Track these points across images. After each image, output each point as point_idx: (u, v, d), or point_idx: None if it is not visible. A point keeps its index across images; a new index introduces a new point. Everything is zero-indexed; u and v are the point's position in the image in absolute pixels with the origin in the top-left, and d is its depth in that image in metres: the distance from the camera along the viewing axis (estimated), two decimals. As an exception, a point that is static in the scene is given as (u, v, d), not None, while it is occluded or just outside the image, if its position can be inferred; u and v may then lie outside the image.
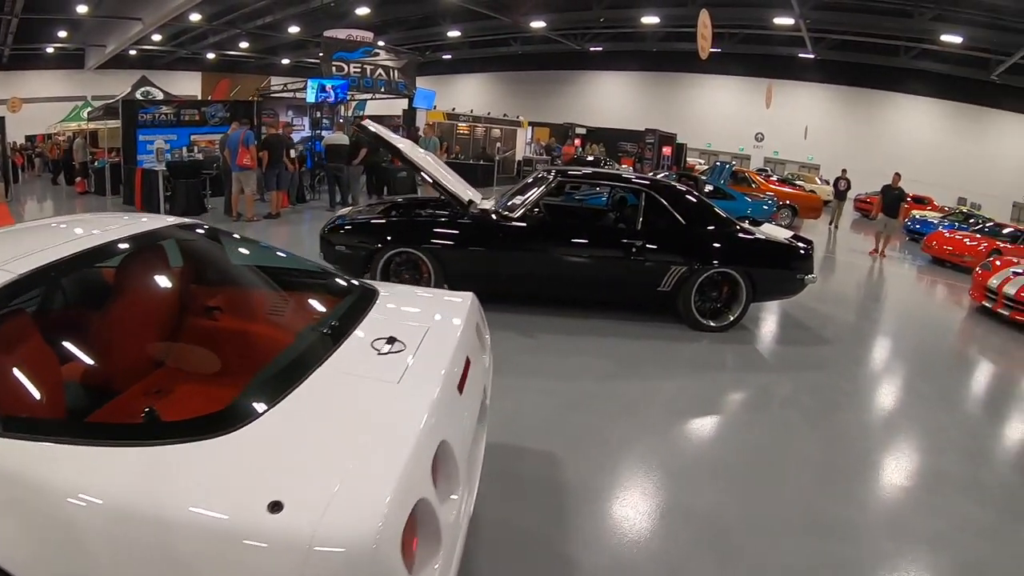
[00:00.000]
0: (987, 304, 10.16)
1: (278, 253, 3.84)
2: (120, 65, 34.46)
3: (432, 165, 7.51)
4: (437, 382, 2.38)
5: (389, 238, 6.96)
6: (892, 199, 15.08)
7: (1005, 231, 17.02)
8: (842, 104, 35.71)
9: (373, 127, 7.62)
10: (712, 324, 7.28)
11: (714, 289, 7.28)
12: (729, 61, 33.29)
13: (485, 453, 3.13)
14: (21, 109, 32.50)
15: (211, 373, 2.94)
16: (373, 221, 7.28)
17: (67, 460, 1.83)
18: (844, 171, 20.58)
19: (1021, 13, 20.20)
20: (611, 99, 41.81)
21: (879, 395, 6.55)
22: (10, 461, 1.81)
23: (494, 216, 7.07)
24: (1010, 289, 9.68)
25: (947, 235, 16.62)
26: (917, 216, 21.47)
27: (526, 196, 7.30)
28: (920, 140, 33.33)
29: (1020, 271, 10.05)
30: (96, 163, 16.72)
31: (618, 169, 21.15)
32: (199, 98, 32.04)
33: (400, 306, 3.27)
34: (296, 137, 17.33)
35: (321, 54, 21.11)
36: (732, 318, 7.31)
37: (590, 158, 22.81)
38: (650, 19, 29.12)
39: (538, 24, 31.07)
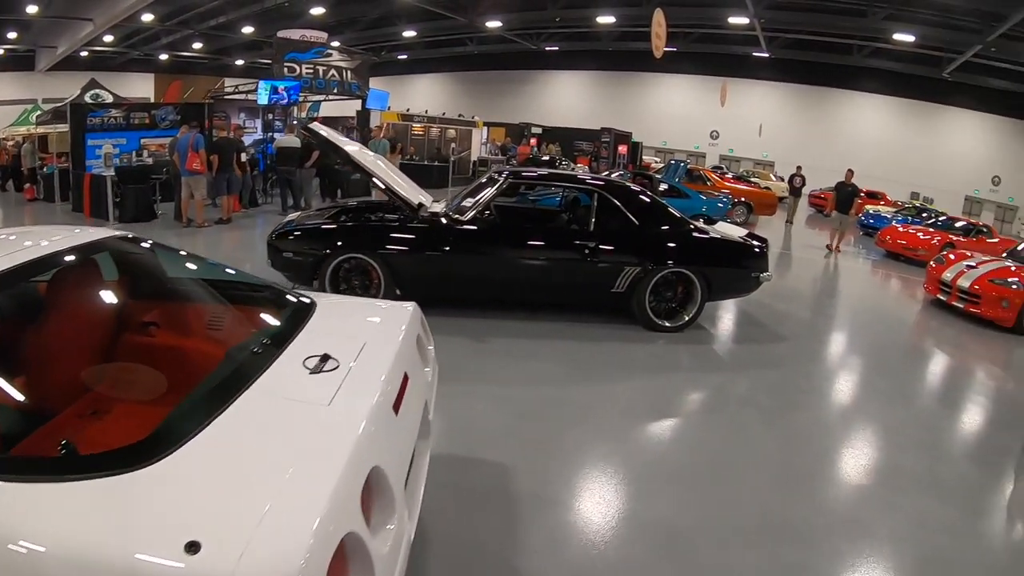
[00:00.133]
0: (941, 297, 10.28)
1: (214, 265, 3.64)
2: (72, 67, 33.56)
3: (381, 168, 7.32)
4: (370, 403, 2.28)
5: (337, 244, 6.74)
6: (846, 195, 15.21)
7: (958, 225, 17.34)
8: (796, 102, 36.30)
9: (323, 131, 7.43)
10: (667, 324, 7.18)
11: (669, 289, 7.18)
12: (684, 60, 33.61)
13: (432, 468, 3.03)
14: (-32, 112, 31.44)
15: (147, 393, 2.76)
16: (321, 226, 7.06)
17: None
18: (799, 168, 20.80)
19: (972, 12, 20.65)
20: (567, 98, 41.94)
21: (836, 392, 6.51)
22: None
23: (444, 220, 6.90)
24: (964, 282, 9.79)
25: (900, 230, 16.82)
26: (871, 211, 21.75)
27: (476, 198, 7.14)
28: (874, 136, 34.04)
29: (973, 264, 10.20)
30: (45, 169, 16.17)
31: (574, 168, 21.17)
32: (152, 100, 31.36)
33: (337, 320, 3.13)
34: (248, 140, 16.94)
35: (273, 55, 20.72)
36: (687, 318, 7.22)
37: (545, 158, 22.66)
38: (606, 19, 29.18)
39: (494, 24, 30.96)
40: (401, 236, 6.84)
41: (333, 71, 20.75)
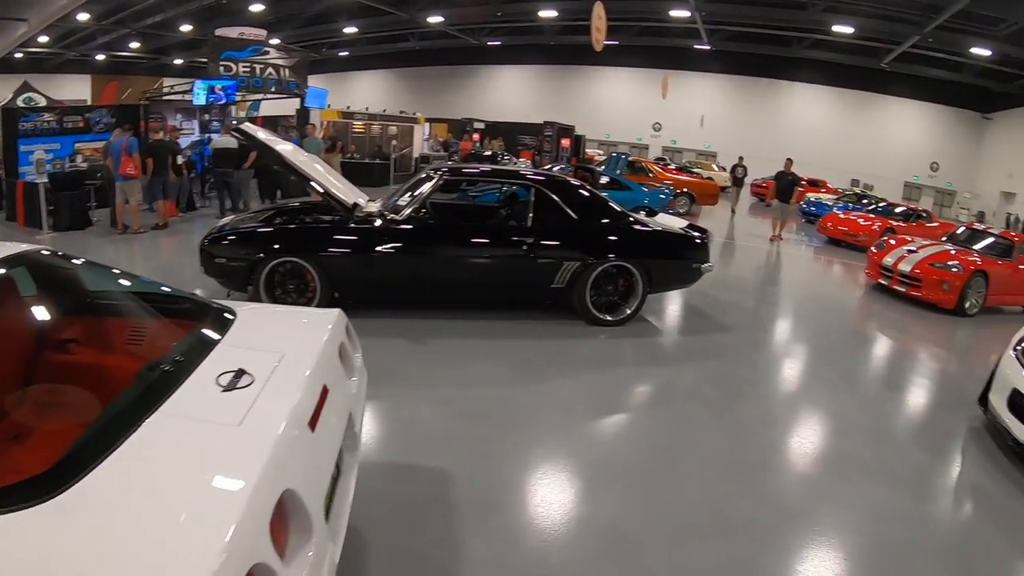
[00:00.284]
0: (883, 281, 10.45)
1: (136, 277, 3.46)
2: (6, 69, 32.10)
3: (314, 169, 7.06)
4: (281, 422, 2.15)
5: (271, 247, 6.46)
6: (785, 184, 15.30)
7: (897, 210, 17.63)
8: (738, 93, 36.74)
9: (253, 131, 7.17)
10: (609, 318, 7.06)
11: (609, 283, 7.06)
12: (626, 53, 33.82)
13: (370, 477, 3.04)
14: None
15: (70, 416, 2.56)
16: (253, 229, 6.76)
17: None
18: (740, 158, 21.06)
19: (910, 4, 21.05)
20: (510, 93, 41.84)
21: (781, 381, 6.48)
22: None
23: (379, 220, 6.67)
24: (905, 266, 9.97)
25: (842, 216, 17.06)
26: (812, 199, 22.09)
27: (412, 197, 6.92)
28: (814, 126, 34.64)
29: (914, 249, 10.38)
30: (-24, 178, 15.47)
31: (516, 163, 21.03)
32: (89, 103, 30.30)
33: (257, 331, 2.97)
34: (185, 141, 16.54)
35: (209, 53, 20.20)
36: (629, 311, 7.11)
37: (488, 153, 22.44)
38: (547, 12, 29.11)
39: (436, 19, 30.65)
40: (335, 238, 6.60)
41: (270, 69, 20.41)
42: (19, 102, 21.92)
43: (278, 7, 29.24)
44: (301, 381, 2.44)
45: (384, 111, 27.37)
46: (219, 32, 21.91)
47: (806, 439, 5.10)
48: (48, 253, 3.17)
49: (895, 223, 15.98)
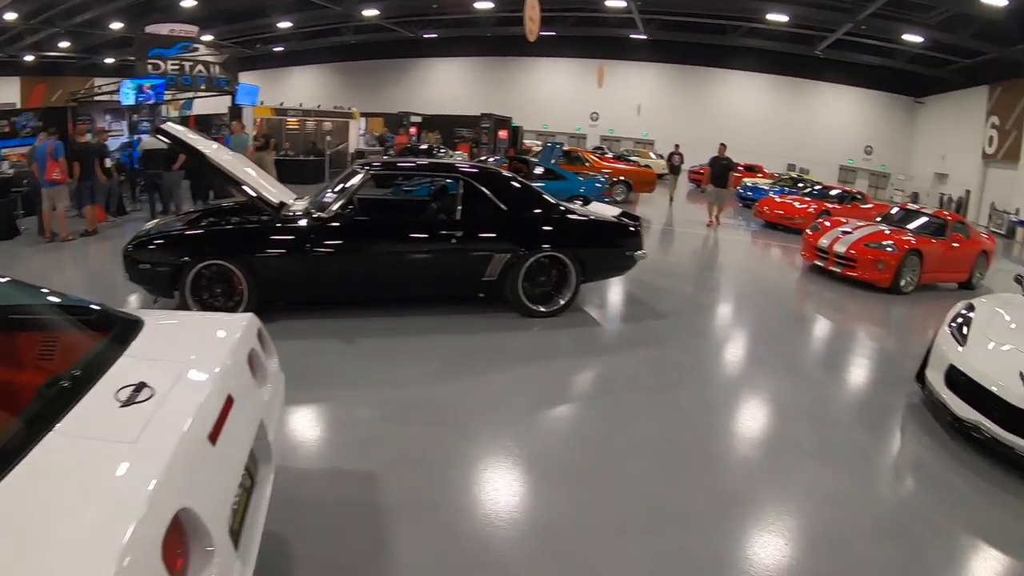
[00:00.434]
0: (819, 263, 10.55)
1: (39, 288, 3.19)
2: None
3: (238, 168, 6.78)
4: (175, 437, 2.02)
5: (195, 250, 6.16)
6: (720, 169, 15.37)
7: (833, 193, 17.86)
8: (674, 81, 37.16)
9: (176, 131, 6.82)
10: (543, 309, 6.92)
11: (542, 273, 6.93)
12: (563, 44, 33.97)
13: (293, 486, 3.00)
14: None
15: None
16: (178, 233, 6.46)
17: None
18: (677, 146, 21.17)
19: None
20: (447, 86, 41.59)
21: (721, 366, 6.41)
22: None
23: (305, 218, 6.41)
24: (840, 247, 10.08)
25: (778, 200, 17.24)
26: (749, 184, 22.38)
27: (339, 193, 6.67)
28: (750, 112, 35.27)
29: (849, 230, 10.48)
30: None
31: (452, 156, 20.81)
32: (19, 106, 29.09)
33: (163, 340, 2.82)
34: (115, 143, 16.06)
35: (136, 51, 19.53)
36: (563, 302, 6.98)
37: (424, 147, 22.17)
38: (484, 4, 29.03)
39: (371, 12, 30.33)
40: (260, 238, 6.33)
41: (200, 66, 19.88)
42: (-57, 107, 21.01)
43: (210, 3, 28.58)
44: (203, 392, 2.33)
45: (319, 107, 26.95)
46: (149, 29, 21.33)
47: (746, 424, 5.04)
48: None
49: (830, 206, 16.20)
